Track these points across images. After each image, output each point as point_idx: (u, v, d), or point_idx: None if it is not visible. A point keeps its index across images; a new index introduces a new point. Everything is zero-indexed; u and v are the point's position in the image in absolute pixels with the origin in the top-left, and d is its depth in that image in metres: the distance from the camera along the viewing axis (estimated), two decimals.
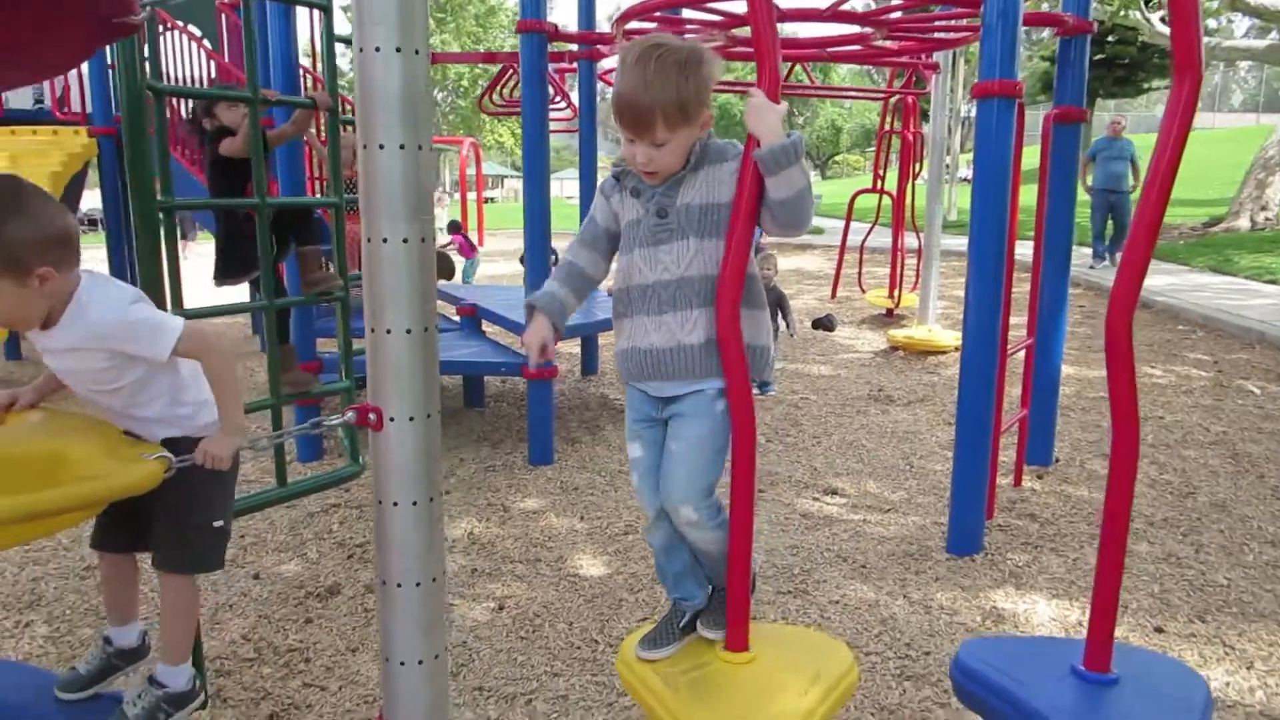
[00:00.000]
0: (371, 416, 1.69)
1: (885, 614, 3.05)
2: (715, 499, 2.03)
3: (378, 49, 1.60)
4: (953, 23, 5.12)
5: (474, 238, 13.75)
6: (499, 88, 8.33)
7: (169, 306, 2.77)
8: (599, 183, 2.11)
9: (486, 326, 5.72)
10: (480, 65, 31.53)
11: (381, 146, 1.61)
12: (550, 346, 2.00)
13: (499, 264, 16.08)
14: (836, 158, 63.47)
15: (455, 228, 13.69)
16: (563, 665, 2.75)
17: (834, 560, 3.49)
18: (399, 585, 1.74)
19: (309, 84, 6.26)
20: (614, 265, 2.11)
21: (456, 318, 5.71)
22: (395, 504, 1.71)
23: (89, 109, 7.20)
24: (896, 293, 8.93)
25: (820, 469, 4.61)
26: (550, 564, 3.45)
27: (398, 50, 1.60)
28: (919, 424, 5.43)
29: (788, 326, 6.31)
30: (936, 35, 5.32)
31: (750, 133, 1.82)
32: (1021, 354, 4.22)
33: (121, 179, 6.99)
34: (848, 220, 9.85)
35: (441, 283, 9.11)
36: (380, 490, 1.72)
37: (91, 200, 12.98)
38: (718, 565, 2.10)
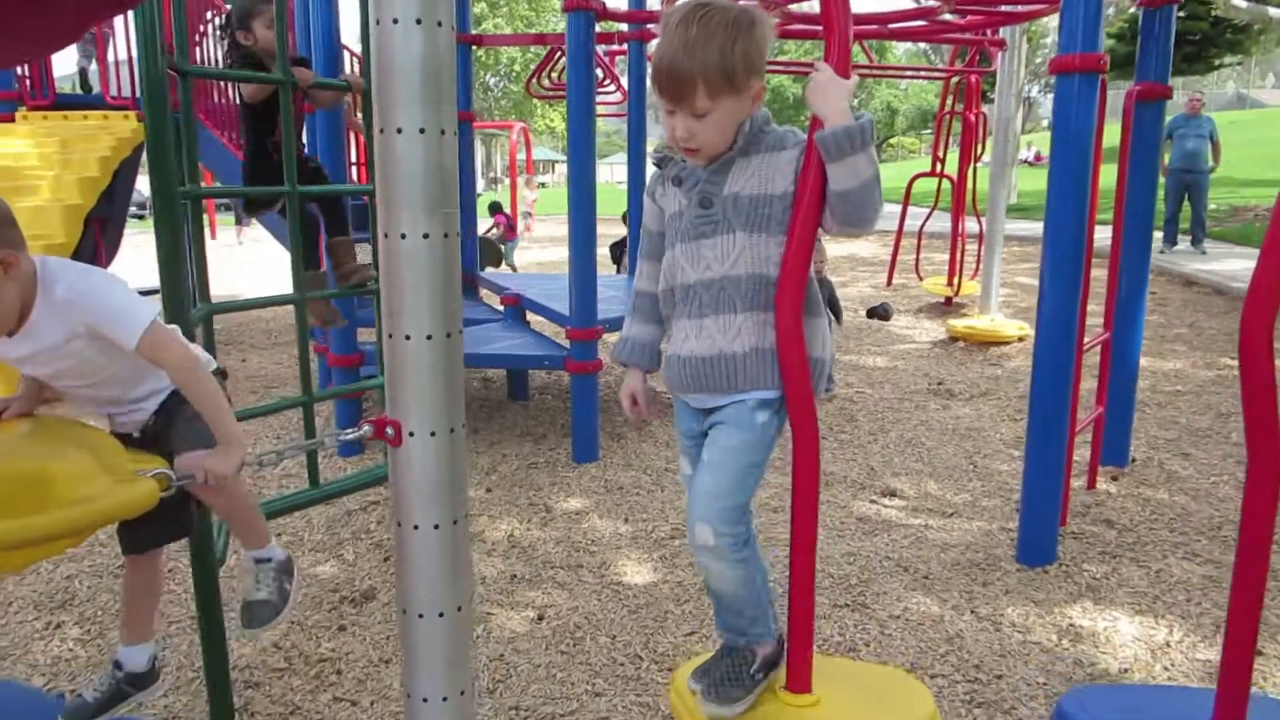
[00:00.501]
0: (389, 431, 1.53)
1: (951, 631, 2.83)
2: (744, 529, 1.80)
3: (395, 20, 1.43)
4: None
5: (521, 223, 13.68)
6: (547, 70, 8.15)
7: (196, 300, 2.65)
8: (649, 174, 1.94)
9: (531, 317, 5.57)
10: (532, 48, 31.42)
11: (400, 130, 1.44)
12: (643, 400, 1.93)
13: (549, 249, 15.98)
14: (891, 140, 62.32)
15: (497, 209, 13.66)
16: (604, 684, 2.58)
17: (894, 570, 3.27)
18: (420, 616, 1.58)
19: (350, 64, 6.13)
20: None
21: (501, 307, 5.57)
22: (416, 527, 1.55)
23: (138, 93, 7.16)
24: (956, 280, 8.60)
25: (877, 468, 4.38)
26: (593, 570, 3.29)
27: (418, 22, 1.42)
28: (982, 420, 5.16)
29: (836, 322, 5.98)
30: (1004, 9, 5.02)
31: (813, 112, 1.61)
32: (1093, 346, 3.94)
33: None
34: (904, 204, 9.51)
35: (488, 270, 9.00)
36: (399, 511, 1.56)
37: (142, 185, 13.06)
38: (730, 612, 1.87)
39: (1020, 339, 7.15)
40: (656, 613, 2.96)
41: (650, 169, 1.90)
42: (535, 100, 25.38)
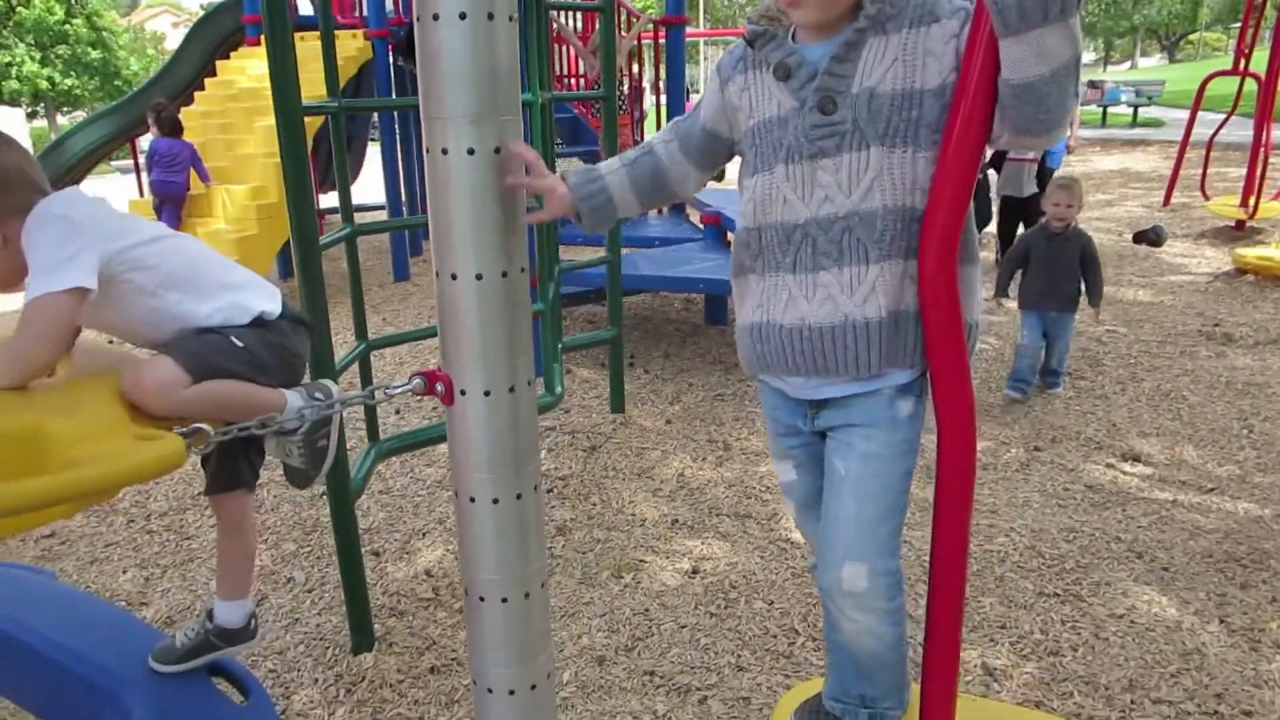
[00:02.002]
0: (439, 387, 1.29)
1: (1190, 644, 2.28)
2: (897, 566, 1.40)
3: (436, 16, 1.15)
4: None
5: None
6: None
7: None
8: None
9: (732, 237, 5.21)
10: None
11: (436, 17, 1.16)
12: (526, 180, 1.26)
13: None
14: (1191, 36, 54.33)
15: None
16: (751, 657, 2.31)
17: (1124, 556, 2.71)
18: (481, 599, 1.36)
19: None
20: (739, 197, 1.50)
21: (701, 225, 5.25)
22: (472, 500, 1.32)
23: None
24: (1253, 200, 7.21)
25: (1121, 426, 3.71)
26: (761, 521, 2.98)
27: (461, 16, 1.14)
28: (1268, 374, 4.25)
29: (1090, 298, 3.96)
30: None
31: None
32: None
33: (391, 82, 7.12)
34: (1194, 109, 8.10)
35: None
36: (456, 479, 1.34)
37: None
38: (861, 678, 1.49)
39: None
40: None
41: (732, 47, 1.45)
42: None
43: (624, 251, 4.23)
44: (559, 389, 3.26)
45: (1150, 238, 7.30)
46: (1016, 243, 4.17)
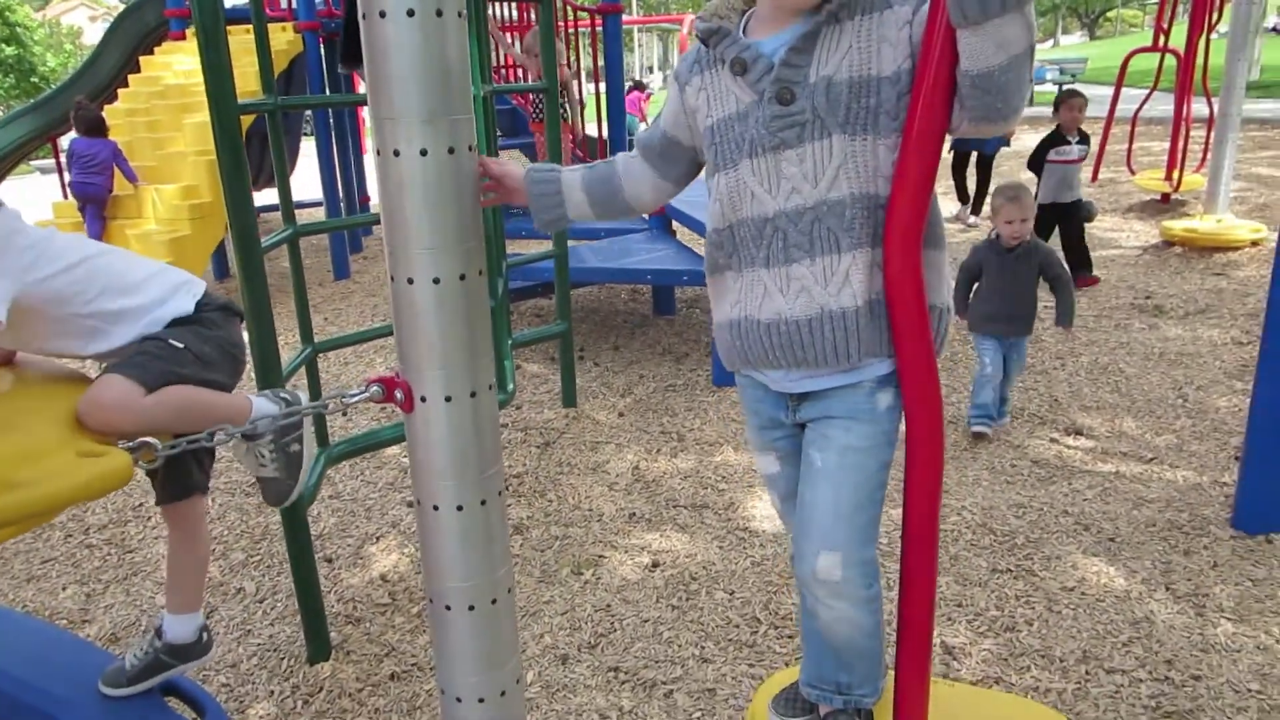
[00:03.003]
0: (399, 394, 1.26)
1: (1139, 613, 2.35)
2: (874, 555, 1.41)
3: (383, 14, 1.10)
4: None
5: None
6: None
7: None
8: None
9: (677, 227, 5.21)
10: None
11: (383, 14, 1.12)
12: (481, 159, 1.31)
13: None
14: (1109, 14, 55.87)
15: (638, 87, 12.96)
16: (715, 648, 2.31)
17: (1072, 529, 2.78)
18: (447, 608, 1.34)
19: None
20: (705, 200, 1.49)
21: (645, 216, 5.24)
22: (435, 508, 1.29)
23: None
24: (1176, 173, 7.44)
25: (1063, 400, 3.80)
26: (718, 511, 2.99)
27: (409, 14, 1.10)
28: (1199, 343, 4.40)
29: (1059, 317, 3.51)
30: None
31: None
32: None
33: (324, 76, 6.96)
34: (1118, 85, 8.28)
35: None
36: (417, 487, 1.31)
37: None
38: (836, 664, 1.51)
39: (1254, 243, 6.11)
40: (782, 567, 2.64)
41: (686, 50, 1.44)
42: None
43: (570, 244, 4.20)
44: (510, 387, 3.22)
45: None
46: (968, 257, 3.58)
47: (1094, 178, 8.86)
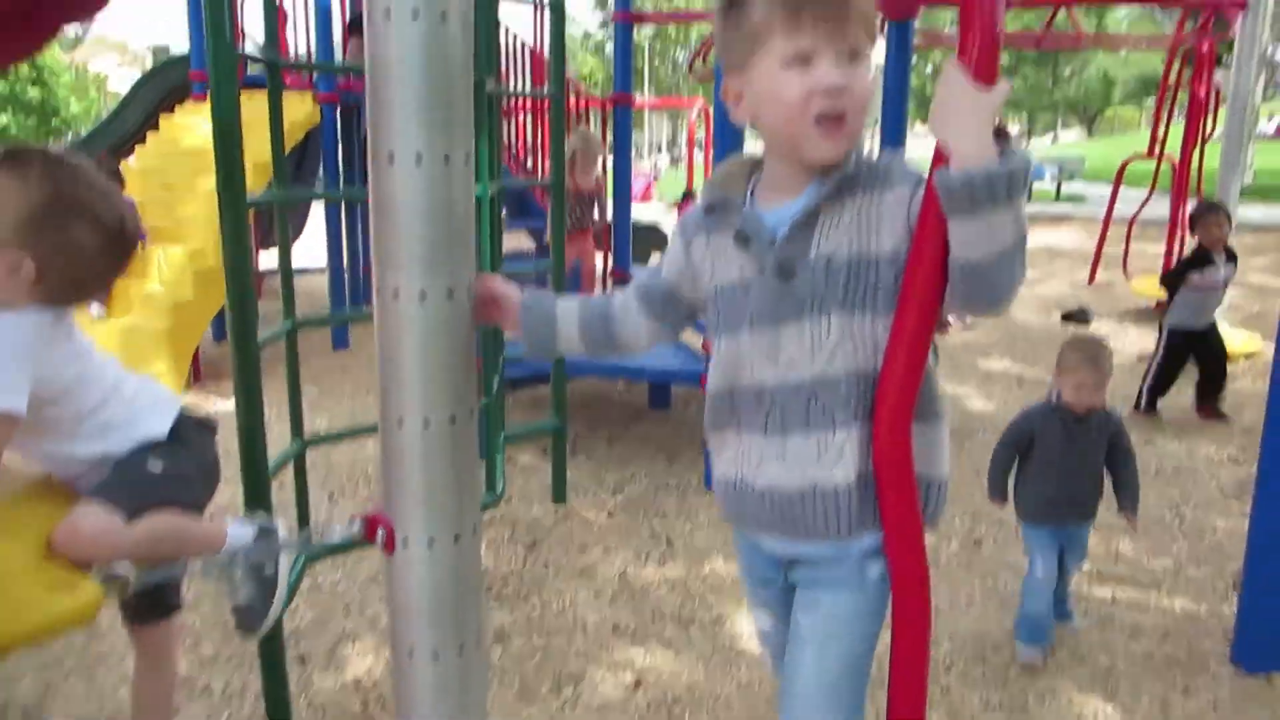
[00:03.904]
0: (381, 533, 1.23)
1: None
2: None
3: (388, 13, 1.10)
4: None
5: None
6: (708, 53, 7.75)
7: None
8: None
9: None
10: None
11: (391, 158, 1.12)
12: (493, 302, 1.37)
13: None
14: (1107, 113, 57.38)
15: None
16: None
17: (1067, 662, 2.71)
18: None
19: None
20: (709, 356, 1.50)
21: None
22: (410, 654, 1.25)
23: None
24: None
25: None
26: (705, 627, 2.92)
27: (414, 16, 1.09)
28: (1195, 459, 4.37)
29: (1121, 500, 2.80)
30: None
31: (937, 140, 1.11)
32: None
33: (339, 147, 7.05)
34: (1115, 187, 8.46)
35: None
36: (393, 630, 1.26)
37: None
38: None
39: (1249, 355, 6.13)
40: (769, 690, 2.56)
41: (693, 208, 1.43)
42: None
43: None
44: (500, 486, 3.18)
45: (1079, 317, 7.60)
46: (1016, 422, 2.83)
47: (1090, 280, 8.97)
